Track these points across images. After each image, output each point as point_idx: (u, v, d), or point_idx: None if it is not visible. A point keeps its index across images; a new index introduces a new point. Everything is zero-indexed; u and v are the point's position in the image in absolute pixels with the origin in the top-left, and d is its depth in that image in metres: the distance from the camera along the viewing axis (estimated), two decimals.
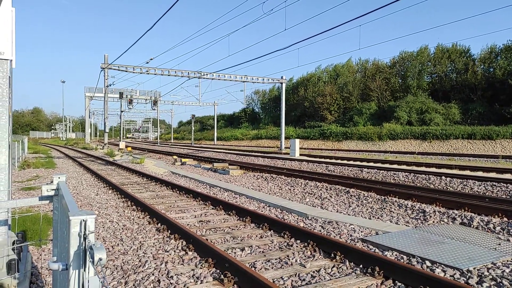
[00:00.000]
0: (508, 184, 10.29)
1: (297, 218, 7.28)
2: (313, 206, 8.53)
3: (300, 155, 25.15)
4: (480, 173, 13.60)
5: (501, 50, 39.57)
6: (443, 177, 12.02)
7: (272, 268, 4.58)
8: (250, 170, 16.27)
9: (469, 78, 39.64)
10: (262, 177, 13.73)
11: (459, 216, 6.99)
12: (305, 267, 4.55)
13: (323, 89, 51.84)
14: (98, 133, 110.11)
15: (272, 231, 6.28)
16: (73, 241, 1.52)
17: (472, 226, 6.47)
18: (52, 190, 2.88)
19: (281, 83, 34.09)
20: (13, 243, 3.38)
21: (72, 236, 1.51)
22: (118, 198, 9.72)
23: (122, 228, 6.59)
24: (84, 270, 1.50)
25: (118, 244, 5.63)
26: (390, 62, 48.90)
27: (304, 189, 10.89)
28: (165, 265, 4.65)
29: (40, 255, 5.18)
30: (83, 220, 1.50)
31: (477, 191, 10.13)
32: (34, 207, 7.69)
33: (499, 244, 5.31)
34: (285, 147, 33.09)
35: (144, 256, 5.03)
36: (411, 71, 45.13)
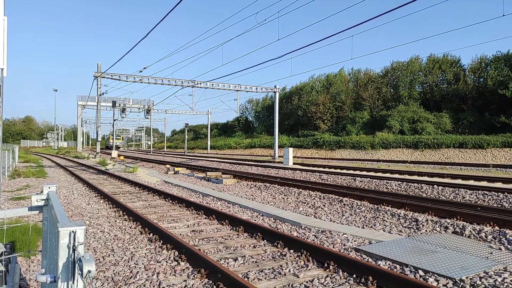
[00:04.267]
0: (499, 193, 10.38)
1: (291, 228, 7.26)
2: (306, 215, 8.51)
3: (294, 164, 25.18)
4: (471, 182, 13.72)
5: (491, 61, 40.32)
6: (435, 186, 12.10)
7: (265, 278, 4.54)
8: (243, 179, 16.23)
9: (460, 88, 40.25)
10: (255, 186, 13.70)
11: (451, 225, 7.03)
12: (299, 277, 4.52)
13: (316, 98, 52.23)
14: (90, 142, 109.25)
15: (265, 240, 6.24)
16: (62, 253, 1.49)
17: (464, 235, 6.50)
18: (42, 200, 2.84)
19: (275, 92, 34.26)
20: (1, 254, 3.31)
21: (61, 247, 1.48)
22: (110, 208, 9.61)
23: (114, 238, 6.51)
24: (73, 283, 1.47)
25: (109, 255, 5.54)
26: (381, 72, 49.51)
27: (297, 198, 10.87)
28: (157, 276, 4.58)
29: (29, 266, 5.08)
30: (73, 231, 1.48)
31: (468, 199, 10.20)
32: (23, 217, 7.57)
33: (491, 253, 5.33)
34: (278, 156, 33.12)
35: (135, 267, 4.96)
36: (403, 81, 45.72)
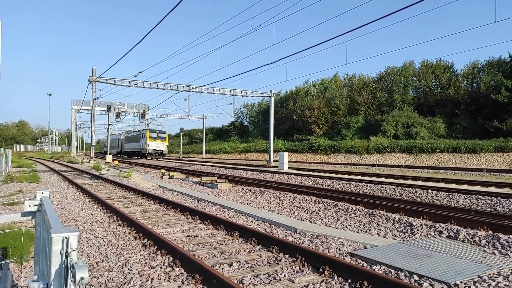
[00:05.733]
0: (493, 197, 10.46)
1: (286, 232, 7.25)
2: (301, 220, 8.50)
3: (289, 168, 25.19)
4: (465, 186, 13.80)
5: (483, 66, 40.79)
6: (430, 190, 12.15)
7: (261, 283, 4.52)
8: (238, 183, 16.20)
9: (453, 93, 40.65)
10: (250, 190, 13.68)
11: (445, 229, 7.06)
12: (294, 283, 4.51)
13: (311, 103, 52.43)
14: (84, 147, 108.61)
15: (260, 245, 6.23)
16: (55, 259, 1.48)
17: (458, 239, 6.53)
18: (35, 205, 2.81)
19: (270, 97, 34.34)
20: None
21: (54, 253, 1.47)
22: (104, 213, 9.54)
23: (107, 244, 6.45)
24: None
25: (102, 261, 5.49)
26: (376, 77, 49.89)
27: (292, 203, 10.87)
28: (151, 282, 4.55)
29: (21, 272, 5.02)
30: (66, 237, 1.47)
31: (462, 204, 10.26)
32: (16, 223, 7.49)
33: (485, 257, 5.36)
34: (273, 160, 33.13)
35: (129, 272, 4.92)
36: (397, 86, 46.10)
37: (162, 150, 44.74)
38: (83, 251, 6.00)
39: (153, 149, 43.68)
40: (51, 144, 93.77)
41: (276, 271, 4.94)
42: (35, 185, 16.65)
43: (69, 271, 1.41)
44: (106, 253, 5.90)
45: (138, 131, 47.77)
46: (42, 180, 19.33)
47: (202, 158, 55.54)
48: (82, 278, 1.30)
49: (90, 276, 4.79)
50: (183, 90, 31.23)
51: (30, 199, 2.80)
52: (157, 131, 45.36)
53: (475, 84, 40.60)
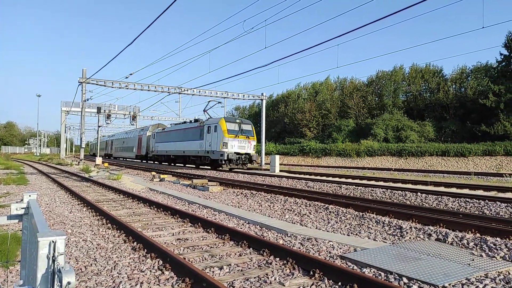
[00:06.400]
0: (481, 200, 10.60)
1: (277, 235, 7.24)
2: (292, 222, 8.51)
3: (280, 171, 25.22)
4: (454, 190, 13.96)
5: (471, 71, 41.49)
6: (419, 193, 12.27)
7: (251, 287, 4.51)
8: (230, 186, 16.16)
9: (442, 97, 41.24)
10: (242, 193, 13.65)
11: (434, 232, 7.13)
12: (284, 286, 4.50)
13: (303, 106, 52.69)
14: (74, 149, 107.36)
15: (251, 248, 6.21)
16: (41, 263, 1.45)
17: (447, 242, 6.60)
18: (22, 208, 2.77)
19: (262, 100, 34.41)
20: None
21: (40, 258, 1.45)
22: (93, 216, 9.43)
23: (96, 247, 6.38)
24: None
25: (91, 264, 5.42)
26: (367, 81, 50.39)
27: (283, 206, 10.87)
28: (140, 286, 4.50)
29: (7, 277, 4.93)
30: (53, 241, 1.45)
31: (451, 207, 10.38)
32: (2, 226, 7.36)
33: (473, 260, 5.42)
34: (265, 163, 33.16)
35: (118, 276, 4.86)
36: (387, 90, 46.61)
37: (249, 154, 26.16)
38: (71, 255, 5.92)
39: (236, 152, 24.88)
40: (40, 146, 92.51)
41: (266, 274, 4.93)
42: (22, 187, 16.39)
43: (56, 276, 1.39)
44: (95, 256, 5.83)
45: (196, 120, 29.54)
46: (30, 182, 19.03)
47: None
48: (68, 283, 1.29)
49: (78, 280, 4.73)
50: (174, 92, 31.12)
51: (17, 201, 2.76)
52: (238, 121, 26.64)
53: (463, 89, 41.26)
